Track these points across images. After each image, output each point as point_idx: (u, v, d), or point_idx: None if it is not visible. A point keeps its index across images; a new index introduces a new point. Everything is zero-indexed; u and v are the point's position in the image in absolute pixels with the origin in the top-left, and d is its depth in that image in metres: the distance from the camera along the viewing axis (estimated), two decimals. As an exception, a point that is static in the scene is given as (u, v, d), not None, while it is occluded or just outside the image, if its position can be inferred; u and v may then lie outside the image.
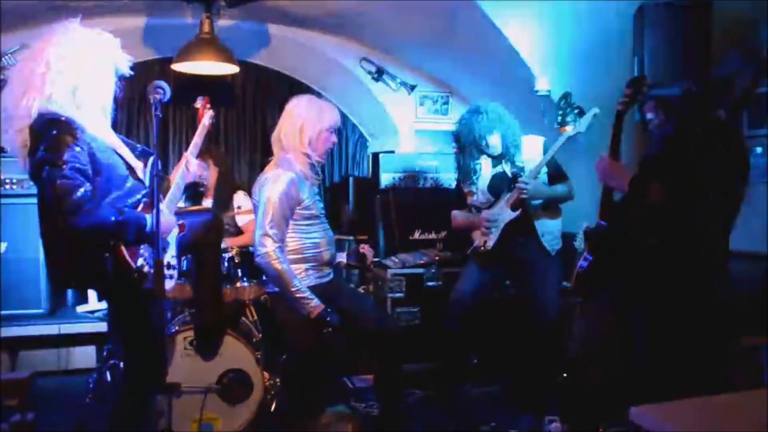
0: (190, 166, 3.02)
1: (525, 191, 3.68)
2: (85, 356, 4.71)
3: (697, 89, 2.73)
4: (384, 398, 3.52)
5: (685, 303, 2.59)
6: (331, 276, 3.33)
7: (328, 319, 3.03)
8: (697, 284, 2.61)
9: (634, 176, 2.61)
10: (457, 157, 4.02)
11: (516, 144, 3.86)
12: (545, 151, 3.90)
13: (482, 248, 3.85)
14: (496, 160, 3.90)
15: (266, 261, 3.02)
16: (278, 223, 3.04)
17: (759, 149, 3.99)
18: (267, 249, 3.01)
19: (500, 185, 3.86)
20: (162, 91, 2.47)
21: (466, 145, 3.87)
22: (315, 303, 3.03)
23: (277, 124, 3.25)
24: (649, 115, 2.74)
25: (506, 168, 3.88)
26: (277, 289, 3.14)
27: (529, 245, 3.84)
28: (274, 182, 3.08)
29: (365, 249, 3.52)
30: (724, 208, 2.61)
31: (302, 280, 3.10)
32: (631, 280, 2.73)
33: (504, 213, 3.79)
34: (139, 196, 2.58)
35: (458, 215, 4.11)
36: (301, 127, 3.14)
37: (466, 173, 3.94)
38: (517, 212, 3.75)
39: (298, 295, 3.02)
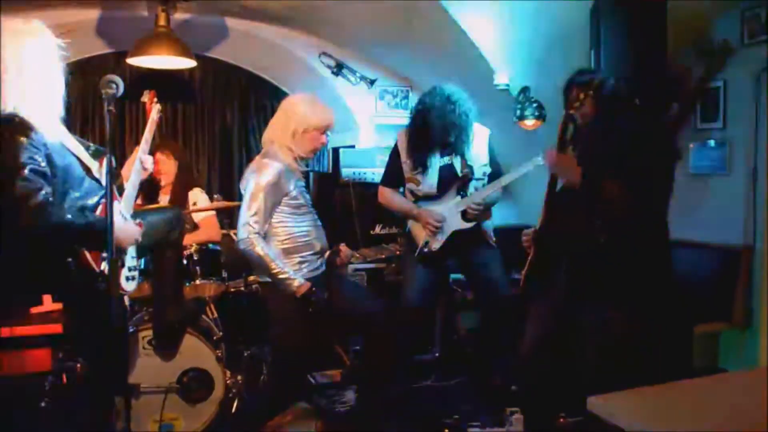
0: (146, 164, 2.97)
1: (474, 215, 3.69)
2: (40, 359, 4.59)
3: (620, 86, 2.77)
4: (365, 386, 3.52)
5: (636, 292, 2.63)
6: (324, 268, 3.33)
7: (313, 298, 3.04)
8: (645, 273, 2.65)
9: (584, 171, 2.62)
10: (411, 138, 3.79)
11: (468, 135, 3.73)
12: (489, 144, 3.84)
13: (426, 250, 3.76)
14: (445, 150, 3.76)
15: (247, 246, 3.03)
16: (261, 213, 3.05)
17: (712, 143, 4.08)
18: (247, 235, 3.02)
19: (448, 181, 3.75)
20: (115, 85, 2.40)
21: (427, 131, 3.68)
22: (299, 282, 3.04)
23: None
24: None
25: (455, 162, 3.75)
26: (263, 275, 3.15)
27: (474, 240, 3.81)
28: (260, 172, 3.09)
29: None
30: (660, 196, 2.67)
31: (295, 272, 3.10)
32: (578, 275, 2.75)
33: (453, 219, 3.71)
34: (97, 198, 2.53)
35: (395, 197, 3.94)
36: (287, 120, 3.17)
37: (419, 160, 3.75)
38: (471, 224, 3.72)
39: (281, 276, 3.03)
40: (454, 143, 3.72)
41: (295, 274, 3.09)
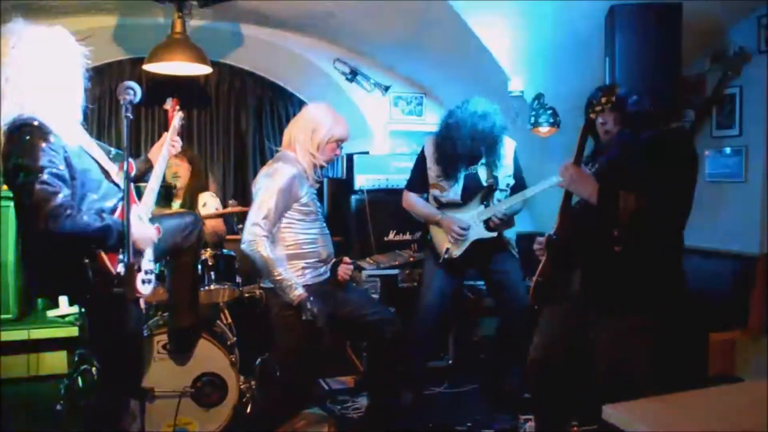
0: (176, 145, 3.03)
1: (497, 225, 3.73)
2: (55, 362, 4.63)
3: (650, 106, 2.76)
4: (375, 393, 3.52)
5: (649, 302, 2.61)
6: (328, 275, 3.32)
7: (309, 306, 3.01)
8: (660, 281, 2.63)
9: (602, 186, 2.60)
10: (439, 148, 3.79)
11: (499, 150, 3.76)
12: (515, 156, 3.87)
13: (446, 256, 3.80)
14: (473, 160, 3.79)
15: (252, 248, 3.02)
16: (271, 215, 3.04)
17: (728, 150, 4.06)
18: (254, 237, 3.01)
19: (472, 190, 3.79)
20: (132, 91, 2.43)
21: (456, 144, 3.67)
22: (299, 291, 3.02)
23: (288, 125, 3.33)
24: (602, 120, 2.74)
25: (480, 171, 3.80)
26: (267, 281, 3.14)
27: (495, 249, 3.85)
28: (274, 175, 3.10)
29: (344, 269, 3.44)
30: (679, 210, 2.65)
31: (299, 278, 3.10)
32: (592, 283, 2.74)
33: (476, 227, 3.75)
34: (115, 201, 2.55)
35: (419, 202, 3.96)
36: (314, 128, 3.19)
37: (449, 169, 3.77)
38: (493, 234, 3.75)
39: (284, 283, 3.02)
40: (483, 156, 3.76)
41: (297, 280, 3.07)
